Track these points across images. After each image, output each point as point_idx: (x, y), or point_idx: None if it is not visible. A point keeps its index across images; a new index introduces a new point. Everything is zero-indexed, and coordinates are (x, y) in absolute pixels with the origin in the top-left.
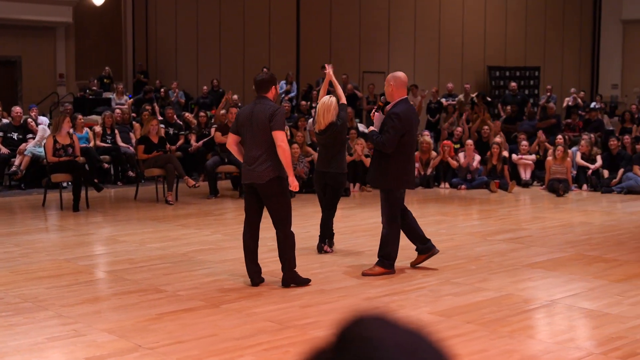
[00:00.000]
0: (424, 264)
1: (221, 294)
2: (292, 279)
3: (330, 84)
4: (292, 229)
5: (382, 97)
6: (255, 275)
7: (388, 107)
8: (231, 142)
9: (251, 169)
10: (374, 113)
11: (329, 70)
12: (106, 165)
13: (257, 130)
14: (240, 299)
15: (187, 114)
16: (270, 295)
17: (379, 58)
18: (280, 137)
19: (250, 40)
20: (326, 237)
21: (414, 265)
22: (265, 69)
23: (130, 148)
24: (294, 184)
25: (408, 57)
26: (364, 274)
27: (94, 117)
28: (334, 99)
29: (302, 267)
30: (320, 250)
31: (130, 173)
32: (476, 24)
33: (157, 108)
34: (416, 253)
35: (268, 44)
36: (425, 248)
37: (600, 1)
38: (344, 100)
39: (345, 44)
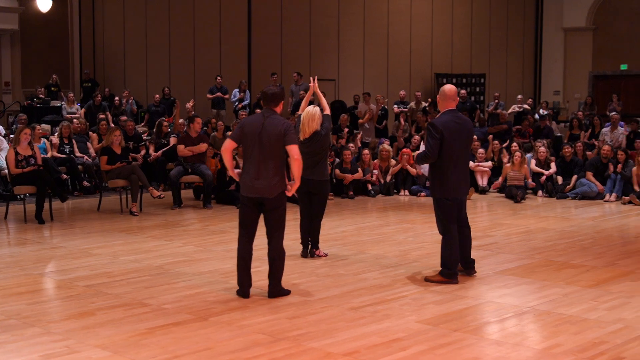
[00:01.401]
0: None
1: (207, 306)
2: (279, 291)
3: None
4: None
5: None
6: (247, 287)
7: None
8: (229, 147)
9: (260, 183)
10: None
11: (314, 83)
12: (64, 176)
13: (269, 144)
14: (228, 311)
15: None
16: (255, 307)
17: (330, 66)
18: (296, 151)
19: (201, 48)
20: (317, 242)
21: (428, 279)
22: (276, 81)
23: (87, 158)
24: (294, 190)
25: (358, 65)
26: (426, 279)
27: (43, 126)
28: (317, 109)
29: (282, 278)
30: (312, 255)
31: (86, 183)
32: (423, 32)
33: (110, 117)
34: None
35: (219, 51)
36: (452, 273)
37: (542, 10)
38: (327, 112)
39: (296, 51)
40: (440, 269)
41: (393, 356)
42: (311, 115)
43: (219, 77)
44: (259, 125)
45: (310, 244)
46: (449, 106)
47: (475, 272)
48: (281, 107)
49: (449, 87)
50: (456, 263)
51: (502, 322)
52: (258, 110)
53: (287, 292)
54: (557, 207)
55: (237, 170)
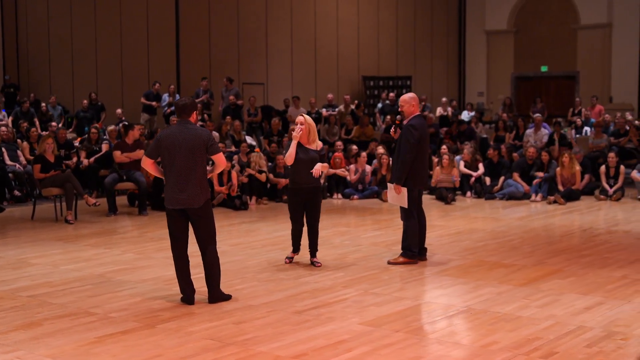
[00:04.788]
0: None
1: (153, 314)
2: (220, 296)
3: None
4: (190, 245)
5: (397, 116)
6: (191, 294)
7: (405, 122)
8: (148, 164)
9: (184, 194)
10: (395, 131)
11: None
12: None
13: (191, 155)
14: (174, 318)
15: None
16: (201, 313)
17: (258, 69)
18: (222, 160)
19: (128, 52)
20: (316, 251)
21: (390, 262)
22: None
23: (18, 166)
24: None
25: (286, 69)
26: (389, 263)
27: None
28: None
29: (224, 284)
30: (314, 264)
31: (17, 192)
32: (350, 35)
33: (37, 123)
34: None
35: (147, 55)
36: (412, 254)
37: (464, 13)
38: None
39: (225, 55)
40: (401, 252)
41: (339, 357)
42: (314, 124)
43: (157, 84)
44: (179, 137)
45: (310, 253)
46: (417, 111)
47: (427, 258)
48: (195, 117)
49: (414, 95)
50: (417, 246)
51: (441, 322)
52: (173, 120)
53: (228, 297)
54: (485, 207)
55: None
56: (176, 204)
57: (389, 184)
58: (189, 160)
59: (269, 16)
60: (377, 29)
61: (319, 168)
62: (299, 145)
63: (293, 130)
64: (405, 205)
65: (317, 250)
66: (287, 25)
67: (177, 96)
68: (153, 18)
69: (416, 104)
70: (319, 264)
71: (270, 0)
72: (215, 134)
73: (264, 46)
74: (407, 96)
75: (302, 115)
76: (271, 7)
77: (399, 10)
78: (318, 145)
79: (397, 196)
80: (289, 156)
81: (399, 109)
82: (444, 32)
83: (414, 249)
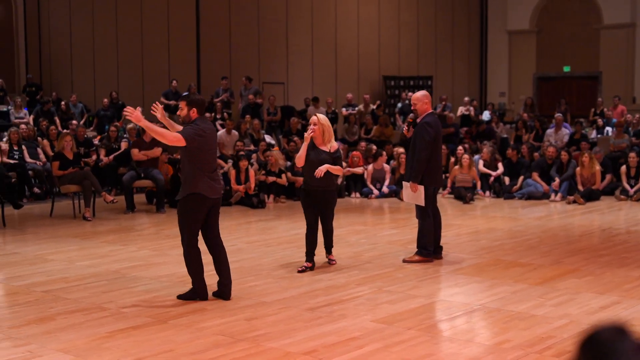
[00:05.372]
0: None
1: (165, 309)
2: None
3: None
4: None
5: (411, 115)
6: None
7: (419, 120)
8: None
9: (219, 184)
10: (408, 129)
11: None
12: (13, 180)
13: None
14: (186, 314)
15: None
16: (213, 309)
17: (278, 69)
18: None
19: (149, 51)
20: (331, 247)
21: (406, 261)
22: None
23: (38, 163)
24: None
25: (306, 69)
26: (405, 261)
27: None
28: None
29: (237, 280)
30: (329, 261)
31: (36, 189)
32: (371, 35)
33: (58, 121)
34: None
35: (167, 55)
36: (427, 252)
37: (486, 13)
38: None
39: (245, 55)
40: (416, 250)
41: (350, 354)
42: (328, 126)
43: (174, 82)
44: (213, 133)
45: (325, 250)
46: (430, 109)
47: (442, 257)
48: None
49: (426, 92)
50: (432, 244)
51: (454, 320)
52: (208, 115)
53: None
54: (504, 207)
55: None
56: (218, 192)
57: (404, 183)
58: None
59: (289, 16)
60: (397, 29)
61: (322, 169)
62: (313, 146)
63: (311, 130)
64: (422, 204)
65: (332, 247)
66: (308, 25)
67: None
68: (174, 17)
69: (429, 102)
70: (334, 262)
71: (291, 0)
72: (235, 132)
73: (285, 46)
74: (419, 94)
75: (316, 115)
76: (292, 7)
77: (420, 10)
78: (332, 146)
79: (413, 194)
80: (299, 158)
81: (412, 107)
82: (465, 32)
83: (429, 247)
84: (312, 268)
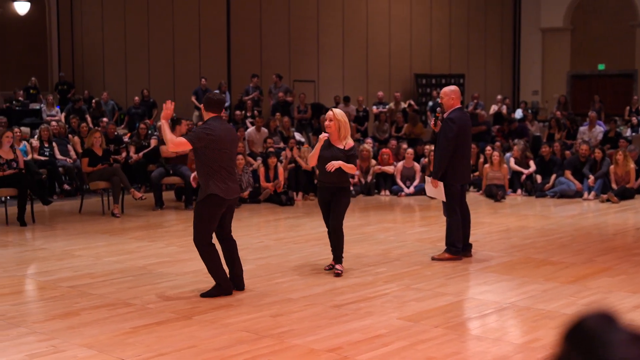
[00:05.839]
0: (401, 269)
1: (190, 305)
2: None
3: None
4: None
5: (438, 109)
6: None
7: (445, 115)
8: (185, 146)
9: (237, 185)
10: (435, 123)
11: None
12: (44, 176)
13: (235, 150)
14: (211, 310)
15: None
16: (238, 305)
17: (309, 67)
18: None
19: (180, 49)
20: (339, 256)
21: (434, 258)
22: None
23: (69, 160)
24: None
25: (337, 66)
26: (433, 259)
27: (23, 129)
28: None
29: (264, 277)
30: (331, 268)
31: (66, 186)
32: (402, 33)
33: (89, 119)
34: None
35: (198, 53)
36: (456, 250)
37: (520, 11)
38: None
39: (276, 53)
40: (445, 248)
41: (375, 352)
42: (345, 122)
43: (203, 79)
44: (232, 132)
45: (333, 256)
46: (458, 104)
47: (472, 255)
48: (205, 115)
49: (455, 87)
50: (461, 241)
51: (483, 318)
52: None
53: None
54: (536, 205)
55: None
56: (234, 193)
57: (426, 177)
58: (234, 155)
59: (320, 14)
60: (429, 27)
61: (334, 163)
62: (328, 143)
63: (327, 127)
64: (444, 199)
65: (340, 255)
66: (339, 23)
67: (228, 94)
68: (205, 16)
69: (456, 97)
70: (339, 272)
71: None
72: (264, 130)
73: (315, 43)
74: (448, 88)
75: (332, 110)
76: (323, 4)
77: (452, 7)
78: (348, 144)
79: (434, 189)
80: (311, 157)
81: (439, 101)
82: (498, 30)
83: (458, 244)
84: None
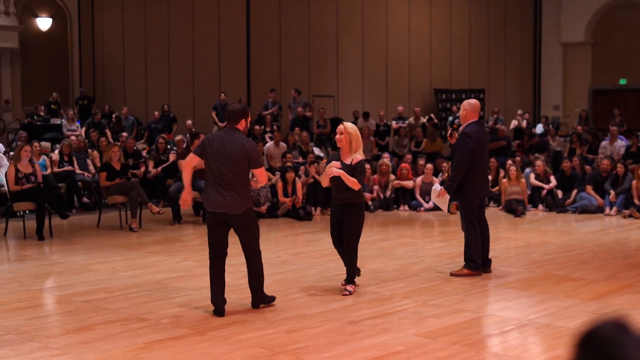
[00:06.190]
0: (421, 285)
1: (205, 321)
2: (263, 299)
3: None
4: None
5: (456, 121)
6: (223, 305)
7: (461, 128)
8: (190, 162)
9: (221, 198)
10: (450, 135)
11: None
12: (62, 191)
13: (232, 163)
14: (225, 325)
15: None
16: (253, 321)
17: (329, 82)
18: (262, 174)
19: (200, 65)
20: (351, 276)
21: (453, 274)
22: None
23: (87, 174)
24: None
25: (356, 81)
26: (452, 275)
27: (43, 143)
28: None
29: (280, 292)
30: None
31: (85, 200)
32: (422, 48)
33: (109, 134)
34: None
35: (218, 68)
36: (476, 265)
37: (540, 25)
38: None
39: (295, 68)
40: (463, 264)
41: None
42: (357, 135)
43: (223, 94)
44: (221, 144)
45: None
46: (475, 117)
47: (491, 270)
48: (244, 125)
49: (475, 102)
50: (480, 257)
51: (502, 335)
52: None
53: (272, 298)
54: (557, 221)
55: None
56: (218, 206)
57: (437, 183)
58: (230, 168)
59: (340, 28)
60: (449, 41)
61: (335, 171)
62: (337, 157)
63: (338, 140)
64: (445, 210)
65: (353, 275)
66: (359, 38)
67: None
68: (224, 30)
69: (471, 110)
70: (346, 293)
71: (342, 12)
72: (283, 144)
73: (335, 59)
74: (466, 101)
75: (343, 124)
76: (342, 20)
77: (472, 21)
78: (355, 158)
79: (440, 199)
80: (323, 179)
81: (457, 113)
82: (518, 44)
83: (477, 260)
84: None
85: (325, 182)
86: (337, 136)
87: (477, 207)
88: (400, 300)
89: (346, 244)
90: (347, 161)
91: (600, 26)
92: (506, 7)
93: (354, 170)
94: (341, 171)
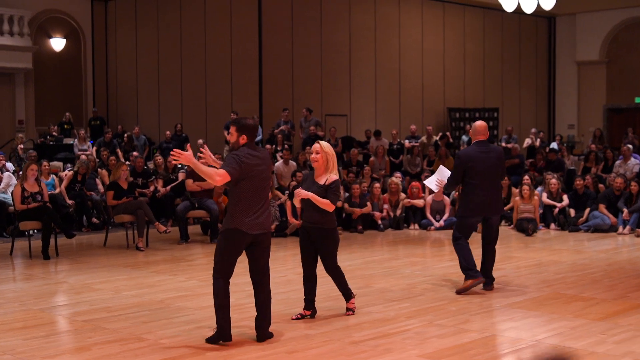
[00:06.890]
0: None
1: (204, 341)
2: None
3: None
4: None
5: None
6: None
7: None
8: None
9: (262, 219)
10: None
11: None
12: (71, 210)
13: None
14: (225, 346)
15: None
16: (253, 342)
17: (341, 101)
18: (211, 177)
19: (212, 84)
20: (347, 293)
21: (459, 291)
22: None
23: (94, 194)
24: None
25: (369, 100)
26: (458, 292)
27: (55, 163)
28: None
29: (282, 313)
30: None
31: (95, 220)
32: (435, 66)
33: (120, 154)
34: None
35: (230, 88)
36: (474, 272)
37: (554, 44)
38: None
39: (308, 87)
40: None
41: None
42: (332, 152)
43: (233, 114)
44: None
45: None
46: (478, 138)
47: (493, 288)
48: (239, 140)
49: (479, 123)
50: (473, 263)
51: (506, 356)
52: (268, 147)
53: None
54: (569, 240)
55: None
56: (255, 228)
57: (448, 171)
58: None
59: (352, 47)
60: (463, 60)
61: (304, 194)
62: (310, 177)
63: (313, 160)
64: (433, 188)
65: (349, 295)
66: (371, 57)
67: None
68: (236, 49)
69: (473, 132)
70: (350, 313)
71: (354, 31)
72: (292, 163)
73: (347, 78)
74: (476, 122)
75: (318, 142)
76: (355, 39)
77: (486, 40)
78: (330, 178)
79: (435, 184)
80: (294, 199)
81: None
82: (533, 63)
83: (472, 267)
84: (311, 315)
85: (296, 202)
86: (313, 155)
87: (471, 226)
88: (405, 320)
89: (327, 269)
90: (321, 181)
91: (615, 44)
92: (520, 26)
93: (327, 190)
94: (310, 193)
